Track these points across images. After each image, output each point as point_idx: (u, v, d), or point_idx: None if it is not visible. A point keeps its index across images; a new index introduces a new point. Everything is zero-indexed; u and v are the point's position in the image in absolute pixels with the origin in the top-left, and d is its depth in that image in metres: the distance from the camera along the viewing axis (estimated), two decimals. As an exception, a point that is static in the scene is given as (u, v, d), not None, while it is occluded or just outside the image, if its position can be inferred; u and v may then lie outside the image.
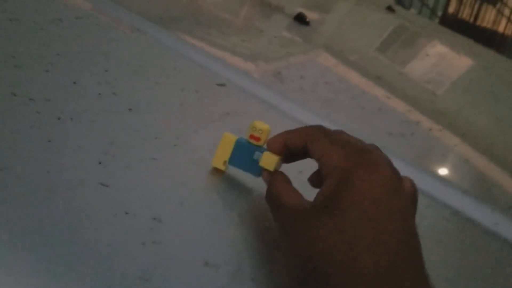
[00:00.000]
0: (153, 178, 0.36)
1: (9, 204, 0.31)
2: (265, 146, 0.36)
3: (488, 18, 4.52)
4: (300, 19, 0.87)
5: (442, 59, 1.11)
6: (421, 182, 0.49)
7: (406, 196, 0.28)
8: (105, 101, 0.43)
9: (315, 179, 0.34)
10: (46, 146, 0.36)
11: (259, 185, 0.37)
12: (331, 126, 0.52)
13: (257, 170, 0.36)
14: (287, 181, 0.34)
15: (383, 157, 0.29)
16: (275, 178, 0.34)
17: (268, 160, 0.35)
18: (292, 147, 0.34)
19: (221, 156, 0.38)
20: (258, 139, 0.36)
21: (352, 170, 0.27)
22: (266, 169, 0.35)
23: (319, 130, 0.32)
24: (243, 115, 0.49)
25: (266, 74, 0.60)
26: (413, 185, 0.31)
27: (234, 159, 0.37)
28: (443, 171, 0.57)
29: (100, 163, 0.36)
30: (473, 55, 1.34)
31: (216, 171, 0.38)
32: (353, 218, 0.26)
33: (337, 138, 0.31)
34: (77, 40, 0.51)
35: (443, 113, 0.70)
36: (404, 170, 0.45)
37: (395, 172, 0.28)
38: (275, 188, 0.33)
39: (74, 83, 0.43)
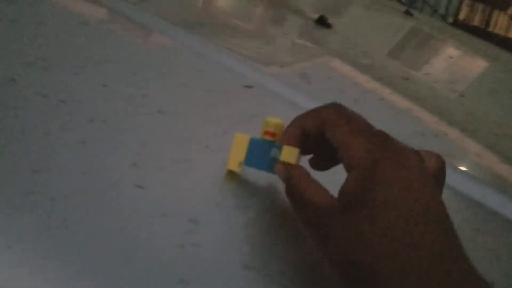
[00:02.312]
0: (188, 180, 0.36)
1: (44, 206, 0.30)
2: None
3: (500, 24, 4.48)
4: (322, 21, 0.86)
5: (456, 60, 1.09)
6: (455, 182, 0.48)
7: (432, 179, 0.27)
8: (135, 103, 0.42)
9: (317, 162, 0.33)
10: (80, 148, 0.35)
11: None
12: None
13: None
14: (308, 174, 0.31)
15: (403, 144, 0.28)
16: (294, 172, 0.31)
17: (289, 153, 0.32)
18: (310, 133, 0.31)
19: (235, 158, 0.36)
20: (273, 134, 0.34)
21: (378, 161, 0.26)
22: (282, 164, 0.32)
23: (336, 112, 0.29)
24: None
25: (292, 75, 0.59)
26: (438, 160, 0.29)
27: (250, 159, 0.35)
28: (476, 172, 0.55)
29: (134, 164, 0.35)
30: (490, 56, 1.32)
31: (231, 173, 0.37)
32: (389, 211, 0.25)
33: (356, 124, 0.28)
34: (103, 43, 0.51)
35: (472, 114, 0.69)
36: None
37: (417, 156, 0.27)
38: (297, 183, 0.30)
39: (104, 85, 0.43)
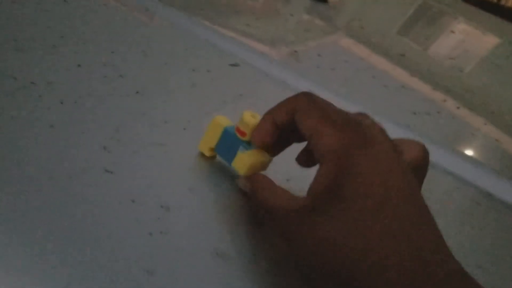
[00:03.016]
0: (160, 164, 0.34)
1: (7, 193, 0.29)
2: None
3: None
4: (318, -4, 0.83)
5: (467, 36, 1.06)
6: (449, 163, 0.46)
7: (407, 168, 0.25)
8: (111, 84, 0.40)
9: (305, 158, 0.31)
10: (48, 132, 0.34)
11: (273, 170, 0.34)
12: (352, 105, 0.49)
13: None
14: (269, 181, 0.30)
15: (377, 128, 0.26)
16: (256, 182, 0.30)
17: (241, 163, 0.31)
18: (282, 125, 0.29)
19: (208, 142, 0.34)
20: (243, 133, 0.32)
21: (348, 151, 0.24)
22: (244, 178, 0.31)
23: (306, 101, 0.28)
24: (258, 96, 0.46)
25: (282, 53, 0.57)
26: (419, 150, 0.28)
27: (220, 148, 0.34)
28: (471, 152, 0.53)
29: (104, 148, 0.34)
30: (499, 32, 1.28)
31: (204, 157, 0.35)
32: (360, 206, 0.23)
33: (328, 112, 0.27)
34: (82, 21, 0.49)
35: (470, 91, 0.66)
36: (430, 150, 0.41)
37: (390, 143, 0.25)
38: (261, 192, 0.29)
39: (79, 65, 0.41)
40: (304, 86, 0.50)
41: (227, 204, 0.32)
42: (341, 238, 0.23)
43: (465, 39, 1.03)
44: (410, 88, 0.60)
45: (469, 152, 0.53)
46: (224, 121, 0.34)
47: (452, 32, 1.06)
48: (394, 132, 0.28)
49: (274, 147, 0.32)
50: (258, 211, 0.30)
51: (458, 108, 0.58)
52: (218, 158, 0.35)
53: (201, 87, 0.45)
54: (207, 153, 0.35)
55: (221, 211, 0.32)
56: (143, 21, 0.56)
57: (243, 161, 0.31)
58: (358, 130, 0.25)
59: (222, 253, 0.29)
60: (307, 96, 0.28)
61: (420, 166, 0.27)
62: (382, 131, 0.26)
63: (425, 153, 0.27)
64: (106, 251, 0.27)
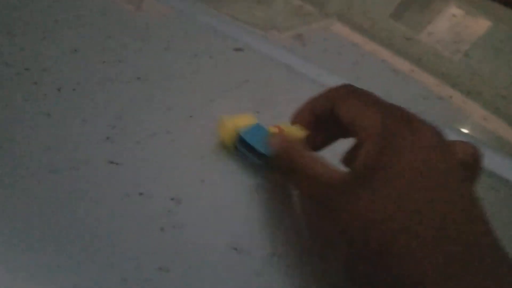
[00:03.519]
0: (169, 154, 0.32)
1: (5, 187, 0.26)
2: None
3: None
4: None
5: (460, 20, 1.04)
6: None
7: (453, 157, 0.24)
8: (110, 70, 0.38)
9: (350, 157, 0.29)
10: (45, 121, 0.31)
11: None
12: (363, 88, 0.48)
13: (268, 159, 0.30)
14: (308, 147, 0.28)
15: (421, 117, 0.25)
16: (293, 145, 0.28)
17: (294, 130, 0.30)
18: (320, 113, 0.29)
19: (230, 126, 0.31)
20: (280, 129, 0.30)
21: (393, 131, 0.24)
22: (278, 136, 0.29)
23: (347, 89, 0.28)
24: (263, 82, 0.44)
25: (286, 37, 0.55)
26: (472, 151, 0.26)
27: (247, 133, 0.31)
28: (487, 138, 0.52)
29: (108, 138, 0.31)
30: (492, 15, 1.26)
31: (219, 146, 0.33)
32: (404, 185, 0.22)
33: (370, 97, 0.26)
34: (75, 4, 0.46)
35: (478, 75, 0.64)
36: (449, 137, 0.39)
37: (436, 129, 0.24)
38: (299, 158, 0.27)
39: (75, 50, 0.39)
40: (311, 70, 0.48)
41: (241, 195, 0.30)
42: (383, 213, 0.22)
43: (458, 22, 1.02)
44: (419, 72, 0.58)
45: (485, 138, 0.52)
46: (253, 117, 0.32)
47: (445, 15, 1.04)
48: None
49: (317, 141, 0.30)
50: (291, 177, 0.27)
51: (468, 93, 0.57)
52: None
53: (204, 72, 0.43)
54: (229, 142, 0.32)
55: (235, 203, 0.30)
56: (137, 4, 0.53)
57: (294, 135, 0.29)
58: (401, 112, 0.25)
59: (238, 247, 0.27)
60: (348, 86, 0.28)
61: (470, 165, 0.26)
62: (428, 121, 0.25)
63: (475, 153, 0.26)
64: (116, 248, 0.25)
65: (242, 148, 0.31)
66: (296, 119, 0.30)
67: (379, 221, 0.22)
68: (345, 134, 0.29)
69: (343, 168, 0.27)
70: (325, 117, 0.29)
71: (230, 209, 0.29)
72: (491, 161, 0.44)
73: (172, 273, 0.25)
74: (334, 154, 0.30)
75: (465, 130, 0.50)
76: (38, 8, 0.44)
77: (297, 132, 0.30)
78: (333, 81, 0.48)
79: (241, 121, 0.31)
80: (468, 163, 0.25)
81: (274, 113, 0.40)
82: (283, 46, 0.51)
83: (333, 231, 0.26)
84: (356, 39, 0.62)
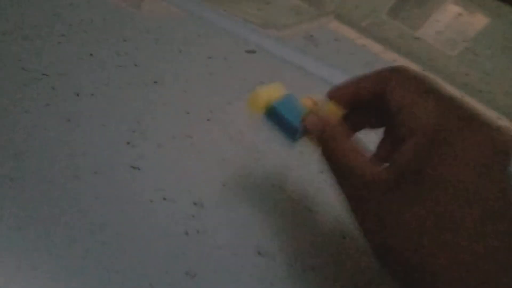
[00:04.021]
0: (189, 158, 0.32)
1: (29, 194, 0.26)
2: None
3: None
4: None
5: (457, 17, 1.04)
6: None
7: (506, 161, 0.21)
8: (127, 74, 0.38)
9: (386, 148, 0.26)
10: (66, 126, 0.31)
11: (313, 163, 0.32)
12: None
13: (297, 133, 0.26)
14: (349, 134, 0.25)
15: (484, 116, 0.22)
16: (333, 130, 0.24)
17: (332, 108, 0.26)
18: (365, 95, 0.25)
19: (263, 97, 0.27)
20: (314, 102, 0.27)
21: (450, 129, 0.21)
22: (317, 116, 0.25)
23: (405, 73, 0.24)
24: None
25: (297, 38, 0.55)
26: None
27: (280, 105, 0.27)
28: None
29: (128, 143, 0.31)
30: (489, 11, 1.26)
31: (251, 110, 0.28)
32: (453, 196, 0.20)
33: (427, 84, 0.23)
34: (89, 8, 0.46)
35: (488, 74, 0.64)
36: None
37: (501, 132, 0.21)
38: (337, 147, 0.23)
39: (91, 55, 0.39)
40: (325, 71, 0.48)
41: (264, 198, 0.30)
42: (423, 222, 0.20)
43: (456, 19, 1.01)
44: (433, 71, 0.58)
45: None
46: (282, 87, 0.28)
47: (443, 12, 1.04)
48: None
49: (349, 124, 0.26)
50: (328, 164, 0.24)
51: (480, 91, 0.56)
52: (250, 151, 0.33)
53: (219, 75, 0.43)
54: (259, 110, 0.27)
55: (258, 207, 0.30)
56: (151, 7, 0.53)
57: (333, 111, 0.26)
58: (462, 107, 0.22)
59: (264, 251, 0.27)
60: (403, 68, 0.24)
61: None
62: (483, 115, 0.22)
63: None
64: (142, 253, 0.25)
65: (271, 121, 0.27)
66: (335, 96, 0.26)
67: (411, 227, 0.20)
68: (381, 124, 0.26)
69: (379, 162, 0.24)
70: (368, 101, 0.25)
71: (253, 213, 0.29)
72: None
73: (198, 278, 0.25)
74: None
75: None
76: (51, 11, 0.44)
77: (334, 111, 0.26)
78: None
79: (273, 92, 0.27)
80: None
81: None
82: (295, 47, 0.51)
83: (366, 232, 0.23)
84: (362, 40, 0.61)
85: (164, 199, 0.28)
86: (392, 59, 0.58)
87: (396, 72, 0.24)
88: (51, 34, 0.40)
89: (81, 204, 0.27)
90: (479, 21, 1.13)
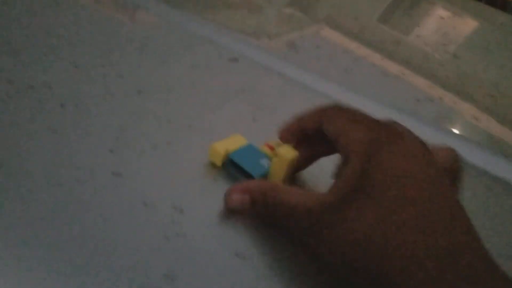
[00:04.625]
0: (170, 164, 0.33)
1: (13, 202, 0.27)
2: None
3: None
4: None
5: (447, 21, 1.06)
6: (459, 149, 0.46)
7: (438, 166, 0.24)
8: (111, 84, 0.39)
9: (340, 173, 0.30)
10: (51, 137, 0.32)
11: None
12: (354, 95, 0.49)
13: (259, 171, 0.31)
14: (275, 183, 0.29)
15: (405, 128, 0.26)
16: (258, 187, 0.28)
17: (286, 150, 0.31)
18: (309, 131, 0.30)
19: (221, 149, 0.33)
20: (272, 148, 0.32)
21: (376, 144, 0.24)
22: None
23: (335, 107, 0.29)
24: (260, 91, 0.46)
25: (279, 46, 0.56)
26: (450, 154, 0.27)
27: (237, 154, 0.32)
28: (479, 137, 0.53)
29: (111, 151, 0.32)
30: (479, 15, 1.28)
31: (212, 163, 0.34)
32: (392, 198, 0.22)
33: (356, 115, 0.27)
34: (75, 20, 0.47)
35: (468, 75, 0.66)
36: (437, 137, 0.41)
37: (421, 141, 0.25)
38: (270, 196, 0.27)
39: (76, 66, 0.40)
40: (305, 78, 0.49)
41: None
42: (373, 232, 0.22)
43: (445, 23, 1.03)
44: (409, 75, 0.59)
45: (477, 138, 0.53)
46: (242, 138, 0.34)
47: (432, 17, 1.06)
48: (400, 120, 0.28)
49: (303, 158, 0.31)
50: (267, 216, 0.28)
51: (458, 93, 0.58)
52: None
53: (202, 83, 0.44)
54: (219, 161, 0.33)
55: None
56: (133, 19, 0.54)
57: (284, 156, 0.30)
58: (385, 127, 0.25)
59: (243, 254, 0.28)
60: (336, 104, 0.29)
61: (451, 169, 0.26)
62: (411, 132, 0.26)
63: (455, 157, 0.27)
64: (122, 258, 0.26)
65: (231, 170, 0.32)
66: (285, 137, 0.31)
67: (364, 240, 0.22)
68: (332, 151, 0.30)
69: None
70: (313, 135, 0.30)
71: (231, 217, 0.30)
72: (484, 160, 0.45)
73: (178, 281, 0.26)
74: (320, 170, 0.31)
75: (457, 131, 0.51)
76: (37, 25, 0.45)
77: (289, 152, 0.31)
78: (327, 87, 0.50)
79: (231, 144, 0.33)
80: (450, 168, 0.26)
81: (271, 120, 0.41)
82: (277, 54, 0.53)
83: (326, 261, 0.25)
84: (347, 45, 0.63)
85: (145, 204, 0.29)
86: (372, 62, 0.60)
87: (330, 107, 0.28)
88: (38, 47, 0.41)
89: (62, 211, 0.28)
90: (468, 24, 1.15)
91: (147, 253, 0.27)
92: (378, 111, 0.27)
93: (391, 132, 0.25)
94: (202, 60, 0.47)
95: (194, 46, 0.50)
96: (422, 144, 0.25)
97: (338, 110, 0.28)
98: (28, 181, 0.29)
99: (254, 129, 0.39)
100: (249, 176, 0.31)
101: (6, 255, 0.25)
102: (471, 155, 0.45)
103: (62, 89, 0.37)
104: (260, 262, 0.28)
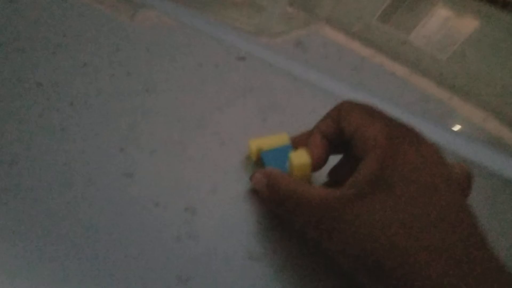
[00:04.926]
0: (181, 164, 0.33)
1: (23, 202, 0.27)
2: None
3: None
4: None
5: (448, 20, 1.06)
6: (467, 150, 0.45)
7: (452, 175, 0.24)
8: (120, 83, 0.39)
9: (339, 172, 0.30)
10: (60, 135, 0.32)
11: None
12: (364, 93, 0.48)
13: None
14: (289, 175, 0.29)
15: (422, 135, 0.26)
16: (277, 174, 0.28)
17: (299, 156, 0.30)
18: (329, 135, 0.29)
19: (255, 146, 0.33)
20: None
21: (395, 142, 0.24)
22: (260, 172, 0.30)
23: (350, 103, 0.28)
24: (268, 90, 0.45)
25: (287, 45, 0.56)
26: (462, 170, 0.27)
27: (265, 157, 0.32)
28: (487, 138, 0.53)
29: (121, 150, 0.32)
30: (480, 15, 1.28)
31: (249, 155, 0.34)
32: (407, 200, 0.22)
33: (373, 110, 0.27)
34: (82, 18, 0.47)
35: (475, 76, 0.66)
36: (445, 138, 0.40)
37: (438, 148, 0.25)
38: (284, 185, 0.27)
39: (84, 64, 0.39)
40: (314, 77, 0.49)
41: (255, 203, 0.31)
42: (388, 225, 0.22)
43: (446, 23, 1.03)
44: (418, 75, 0.59)
45: (490, 140, 0.52)
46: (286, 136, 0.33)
47: (433, 16, 1.06)
48: (409, 120, 0.27)
49: (319, 161, 0.30)
50: (286, 205, 0.27)
51: (467, 93, 0.58)
52: (241, 158, 0.34)
53: (210, 82, 0.44)
54: (254, 156, 0.33)
55: (248, 212, 0.31)
56: (142, 16, 0.54)
57: (297, 162, 0.30)
58: (404, 126, 0.26)
59: (255, 256, 0.28)
60: (349, 101, 0.29)
61: (463, 185, 0.26)
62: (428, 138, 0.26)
63: (467, 174, 0.27)
64: (134, 259, 0.26)
65: (263, 166, 0.32)
66: (310, 146, 0.30)
67: (382, 233, 0.22)
68: (340, 150, 0.30)
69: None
70: (334, 137, 0.29)
71: (243, 218, 0.30)
72: (493, 161, 0.45)
73: (191, 282, 0.26)
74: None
75: (465, 131, 0.51)
76: (45, 22, 0.44)
77: (301, 158, 0.30)
78: (335, 86, 0.49)
79: (270, 142, 0.32)
80: (462, 183, 0.26)
81: (280, 120, 0.41)
82: (284, 53, 0.52)
83: (339, 255, 0.25)
84: (353, 45, 0.63)
85: (156, 205, 0.29)
86: (380, 63, 0.59)
87: (344, 104, 0.28)
88: (46, 45, 0.41)
89: (75, 212, 0.28)
90: (469, 24, 1.15)
91: (160, 255, 0.27)
92: (387, 111, 0.27)
93: (409, 132, 0.25)
94: (209, 59, 0.47)
95: (202, 45, 0.49)
96: (438, 150, 0.25)
97: (354, 106, 0.28)
98: (39, 180, 0.29)
99: (264, 129, 0.39)
100: None
101: (16, 253, 0.25)
102: (480, 156, 0.45)
103: (70, 87, 0.36)
104: (273, 264, 0.28)
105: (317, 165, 0.29)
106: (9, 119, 0.32)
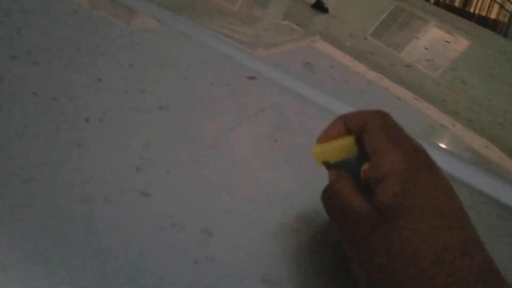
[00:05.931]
0: (196, 184, 0.33)
1: (39, 220, 0.27)
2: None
3: (479, 5, 4.57)
4: (319, 6, 0.83)
5: (439, 40, 1.08)
6: (472, 178, 0.46)
7: (463, 207, 0.26)
8: (134, 99, 0.39)
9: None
10: (76, 151, 0.32)
11: (315, 189, 0.33)
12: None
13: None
14: (354, 183, 0.29)
15: (433, 159, 0.28)
16: (341, 175, 0.29)
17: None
18: (353, 128, 0.29)
19: (320, 152, 0.31)
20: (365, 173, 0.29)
21: (414, 171, 0.25)
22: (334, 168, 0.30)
23: (381, 118, 0.28)
24: (278, 110, 0.46)
25: (295, 65, 0.56)
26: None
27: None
28: (492, 165, 0.53)
29: (137, 169, 0.32)
30: (470, 35, 1.31)
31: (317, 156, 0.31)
32: (425, 225, 0.24)
33: (397, 135, 0.28)
34: (95, 32, 0.47)
35: (478, 103, 0.67)
36: (454, 166, 0.41)
37: (449, 182, 0.27)
38: (342, 186, 0.28)
39: (99, 80, 0.39)
40: (322, 98, 0.49)
41: (271, 226, 0.31)
42: (409, 250, 0.23)
43: (437, 42, 1.05)
44: (423, 101, 0.60)
45: (490, 166, 0.53)
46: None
47: (424, 35, 1.08)
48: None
49: None
50: (329, 203, 0.28)
51: (469, 120, 0.59)
52: (257, 178, 0.34)
53: (221, 101, 0.44)
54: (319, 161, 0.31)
55: (265, 234, 0.31)
56: (155, 32, 0.54)
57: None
58: (420, 156, 0.27)
59: (271, 280, 0.28)
60: (383, 114, 0.29)
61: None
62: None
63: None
64: (152, 281, 0.26)
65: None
66: (329, 131, 0.31)
67: (402, 259, 0.23)
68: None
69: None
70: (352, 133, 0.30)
71: (259, 240, 0.30)
72: (495, 189, 0.46)
73: (208, 305, 0.26)
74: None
75: (468, 158, 0.52)
76: (59, 35, 0.45)
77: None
78: (343, 109, 0.50)
79: (335, 151, 0.30)
80: None
81: (291, 142, 0.41)
82: (293, 74, 0.53)
83: (363, 269, 0.26)
84: (359, 68, 0.64)
85: (173, 226, 0.29)
86: (385, 86, 0.60)
87: (378, 115, 0.29)
88: (59, 58, 0.41)
89: (92, 231, 0.27)
90: (460, 44, 1.17)
91: (176, 278, 0.26)
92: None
93: (425, 163, 0.26)
94: (221, 78, 0.47)
95: (213, 63, 0.50)
96: (447, 178, 0.27)
97: (383, 123, 0.28)
98: (55, 198, 0.28)
99: (275, 150, 0.39)
100: None
101: (29, 270, 0.24)
102: (482, 183, 0.46)
103: (86, 102, 0.36)
104: (288, 288, 0.28)
105: None
106: (24, 133, 0.32)
